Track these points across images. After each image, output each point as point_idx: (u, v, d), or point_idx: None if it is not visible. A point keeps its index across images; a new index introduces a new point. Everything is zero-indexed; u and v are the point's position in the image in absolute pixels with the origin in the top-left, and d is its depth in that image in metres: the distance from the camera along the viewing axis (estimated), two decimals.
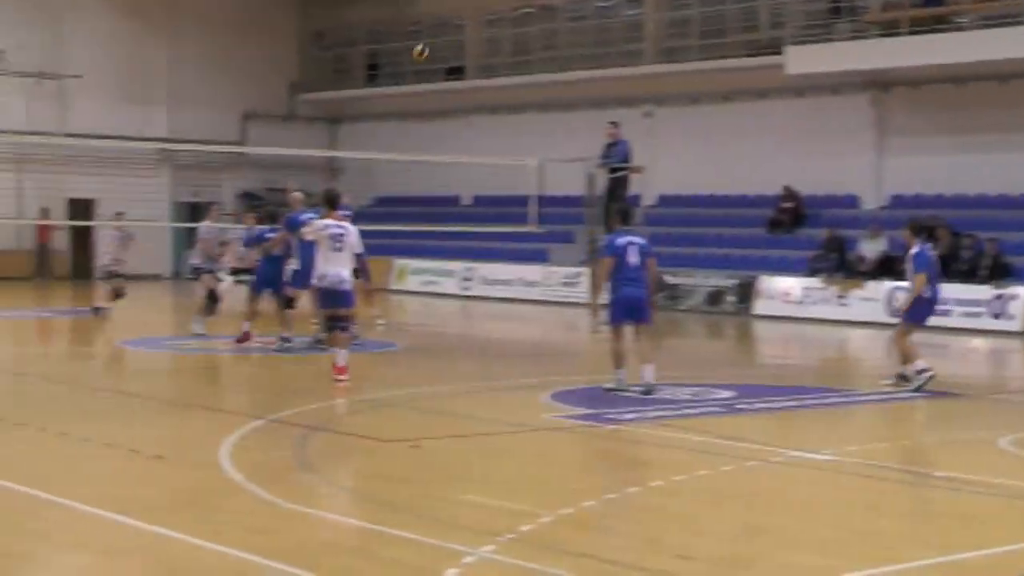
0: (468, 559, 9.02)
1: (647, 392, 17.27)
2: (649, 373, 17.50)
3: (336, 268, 18.21)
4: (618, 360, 17.62)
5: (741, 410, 16.72)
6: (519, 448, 14.16)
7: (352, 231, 18.51)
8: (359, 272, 20.27)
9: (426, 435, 14.46)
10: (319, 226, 18.45)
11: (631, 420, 15.51)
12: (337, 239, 18.20)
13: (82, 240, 45.45)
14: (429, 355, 23.08)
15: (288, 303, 22.52)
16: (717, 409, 16.70)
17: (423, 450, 13.52)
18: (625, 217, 18.33)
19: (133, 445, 13.41)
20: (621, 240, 17.65)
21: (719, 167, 38.69)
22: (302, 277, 21.31)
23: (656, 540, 9.87)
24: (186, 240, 42.61)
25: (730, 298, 33.89)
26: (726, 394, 17.87)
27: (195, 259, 25.09)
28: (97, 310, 28.64)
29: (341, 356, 18.28)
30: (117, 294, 27.94)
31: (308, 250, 20.34)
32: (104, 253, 29.86)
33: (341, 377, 18.11)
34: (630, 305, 17.54)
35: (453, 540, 9.49)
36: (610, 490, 11.69)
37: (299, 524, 10.32)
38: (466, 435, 14.70)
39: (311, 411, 16.14)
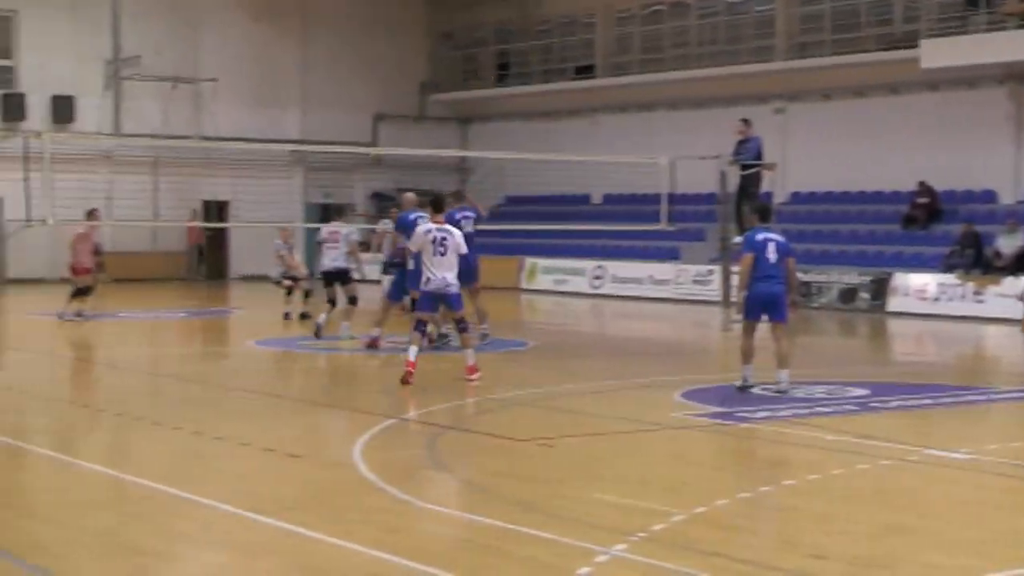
0: (601, 558, 9.01)
1: (780, 394, 17.16)
2: (784, 377, 17.37)
3: (441, 272, 18.35)
4: (746, 356, 17.51)
5: (876, 408, 16.54)
6: (651, 447, 14.11)
7: (456, 234, 18.63)
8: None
9: (558, 434, 14.46)
10: (420, 233, 18.62)
11: (764, 419, 15.41)
12: (440, 243, 18.34)
13: (217, 242, 46.12)
14: (560, 354, 23.08)
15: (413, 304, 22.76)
16: (851, 407, 16.54)
17: (555, 449, 13.53)
18: (764, 215, 18.21)
19: (267, 444, 13.55)
20: (760, 236, 17.56)
21: (852, 163, 38.32)
22: (414, 278, 21.57)
23: (790, 540, 9.79)
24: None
25: (864, 295, 33.54)
26: (860, 392, 17.70)
27: (338, 261, 24.83)
28: (290, 315, 28.80)
29: (470, 356, 18.47)
30: (351, 300, 26.73)
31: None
32: (274, 265, 30.10)
33: (472, 376, 18.28)
34: (765, 301, 17.43)
35: (586, 539, 9.48)
36: (743, 489, 11.61)
37: (433, 522, 10.37)
38: (598, 434, 14.68)
39: (443, 410, 16.21)
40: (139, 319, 29.65)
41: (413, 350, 18.17)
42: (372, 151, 46.88)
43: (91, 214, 29.66)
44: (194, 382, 19.13)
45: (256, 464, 12.77)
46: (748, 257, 17.50)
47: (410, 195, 23.90)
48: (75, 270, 28.74)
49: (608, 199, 44.87)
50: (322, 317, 23.87)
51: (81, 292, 28.40)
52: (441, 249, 18.31)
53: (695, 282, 36.82)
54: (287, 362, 22.49)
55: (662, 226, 28.11)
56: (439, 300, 18.71)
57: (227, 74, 45.64)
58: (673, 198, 27.96)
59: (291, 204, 46.67)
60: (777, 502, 11.23)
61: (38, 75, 42.72)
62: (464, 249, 18.72)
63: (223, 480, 11.93)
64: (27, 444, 13.96)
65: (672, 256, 38.66)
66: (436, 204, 19.18)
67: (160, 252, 45.41)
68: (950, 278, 32.14)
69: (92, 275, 28.88)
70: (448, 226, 18.79)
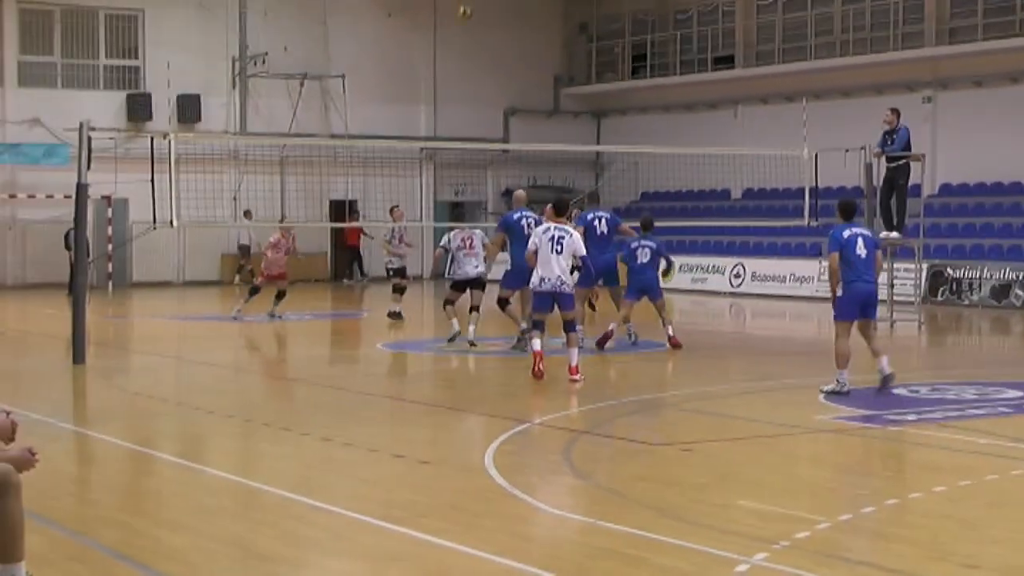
0: (741, 567, 8.98)
1: (886, 382, 17.13)
2: (886, 361, 17.30)
3: (556, 272, 18.59)
4: (843, 360, 17.27)
5: None
6: (794, 451, 14.04)
7: (575, 236, 18.88)
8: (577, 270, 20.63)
9: (697, 438, 14.43)
10: (539, 232, 18.97)
11: (913, 421, 15.26)
12: (557, 242, 18.55)
13: (342, 243, 46.47)
14: (699, 355, 22.99)
15: (502, 304, 22.87)
16: (1005, 410, 16.32)
17: (695, 453, 13.50)
18: (847, 211, 17.89)
19: (397, 449, 13.66)
20: (846, 233, 17.39)
21: (1005, 153, 37.78)
22: (513, 278, 21.74)
23: (941, 548, 9.68)
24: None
25: (1018, 292, 33.05)
26: (1015, 394, 17.45)
27: (481, 267, 24.50)
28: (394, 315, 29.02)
29: (574, 356, 18.69)
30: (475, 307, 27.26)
31: (519, 250, 20.86)
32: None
33: (576, 377, 18.47)
34: (863, 301, 17.35)
35: (726, 547, 9.45)
36: (891, 495, 11.51)
37: (567, 530, 10.39)
38: (739, 437, 14.62)
39: (578, 414, 16.24)
40: (266, 322, 29.98)
41: (537, 343, 18.68)
42: (504, 147, 47.04)
43: (283, 220, 30.30)
44: (323, 386, 19.31)
45: (386, 470, 12.86)
46: (834, 256, 17.34)
47: (520, 192, 24.03)
48: (266, 275, 29.74)
49: (748, 194, 44.64)
50: (471, 329, 23.65)
51: (278, 296, 29.44)
52: (558, 247, 18.51)
53: None
54: (416, 365, 22.63)
55: (805, 222, 27.88)
56: (553, 300, 18.83)
57: (356, 70, 46.03)
58: (816, 192, 27.73)
59: (422, 202, 46.99)
60: (927, 508, 11.11)
61: (164, 74, 43.32)
62: (583, 251, 18.85)
63: (353, 487, 12.04)
64: (156, 451, 14.19)
65: (815, 253, 38.33)
66: (559, 207, 19.44)
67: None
68: None
69: (286, 280, 29.61)
70: (568, 227, 19.03)
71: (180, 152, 23.70)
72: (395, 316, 28.70)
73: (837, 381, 17.28)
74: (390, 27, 47.26)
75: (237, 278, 43.37)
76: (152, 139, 23.15)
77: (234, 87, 44.62)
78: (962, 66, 38.96)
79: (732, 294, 38.97)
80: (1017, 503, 11.23)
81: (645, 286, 23.37)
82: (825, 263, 36.98)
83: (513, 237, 22.09)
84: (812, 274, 37.25)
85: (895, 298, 28.08)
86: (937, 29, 39.85)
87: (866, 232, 17.64)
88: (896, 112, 27.00)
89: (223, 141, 43.15)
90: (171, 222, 23.18)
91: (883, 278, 27.70)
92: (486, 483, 11.90)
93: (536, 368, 18.59)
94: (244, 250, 43.49)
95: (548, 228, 18.79)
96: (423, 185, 47.81)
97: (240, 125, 44.36)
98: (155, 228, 24.02)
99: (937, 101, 39.58)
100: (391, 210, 30.24)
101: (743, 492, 11.52)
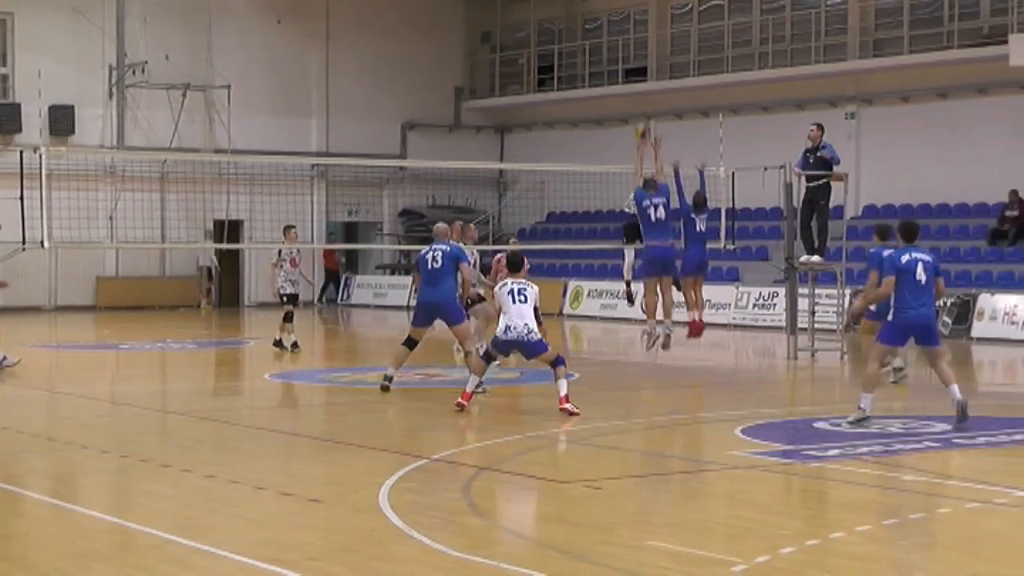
0: None
1: (963, 410, 17.33)
2: (957, 389, 17.50)
3: (522, 320, 18.93)
4: (872, 384, 17.54)
5: (960, 445, 16.47)
6: (709, 488, 14.12)
7: (535, 288, 19.32)
8: None
9: (606, 475, 14.48)
10: (497, 291, 19.59)
11: (835, 457, 15.38)
12: (520, 293, 19.07)
13: (229, 266, 46.23)
14: (608, 386, 23.08)
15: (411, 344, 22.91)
16: (932, 444, 16.48)
17: (604, 491, 13.54)
18: (908, 233, 18.11)
19: (286, 487, 13.61)
20: (904, 257, 17.55)
21: (933, 173, 38.23)
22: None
23: None
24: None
25: (946, 319, 33.42)
26: (942, 427, 17.62)
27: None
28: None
29: (563, 387, 18.79)
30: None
31: (424, 287, 21.21)
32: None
33: (567, 406, 18.58)
34: (919, 329, 17.50)
35: None
36: (812, 535, 11.60)
37: (468, 574, 10.40)
38: (650, 474, 14.68)
39: (479, 449, 16.25)
40: (145, 351, 29.74)
41: (473, 381, 19.19)
42: (401, 164, 47.01)
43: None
44: (206, 420, 19.21)
45: (274, 510, 12.82)
46: (889, 280, 17.46)
47: (441, 226, 23.41)
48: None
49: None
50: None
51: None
52: (522, 297, 18.96)
53: (757, 306, 36.81)
54: (306, 397, 22.56)
55: (721, 245, 28.06)
56: (517, 347, 19.23)
57: (243, 81, 45.85)
58: (734, 213, 27.93)
59: (313, 222, 46.84)
60: (850, 550, 11.21)
61: (35, 83, 42.92)
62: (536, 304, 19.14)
63: (238, 528, 11.98)
64: (24, 489, 14.04)
65: (732, 278, 38.65)
66: (513, 264, 19.81)
67: (170, 277, 45.61)
68: None
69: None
70: (526, 282, 19.35)
71: (52, 167, 23.59)
72: (280, 345, 28.48)
73: (860, 408, 17.39)
74: (280, 34, 47.12)
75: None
76: (21, 153, 22.97)
77: (111, 98, 44.29)
78: (887, 80, 39.41)
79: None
80: (945, 543, 11.35)
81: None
82: (743, 288, 37.35)
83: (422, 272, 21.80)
84: (730, 300, 37.51)
85: (816, 326, 28.31)
86: (861, 41, 40.30)
87: (928, 257, 17.71)
88: (821, 128, 27.21)
89: (99, 156, 42.84)
90: (42, 243, 23.00)
91: (803, 304, 28.05)
92: (381, 523, 11.88)
93: (460, 401, 18.81)
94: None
95: (505, 283, 19.25)
96: (314, 204, 47.67)
97: (117, 139, 44.01)
98: (24, 249, 23.79)
99: (861, 117, 40.01)
100: (285, 230, 29.89)
101: (654, 532, 11.58)
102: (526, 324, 18.85)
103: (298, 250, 29.36)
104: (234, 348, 32.74)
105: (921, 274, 17.45)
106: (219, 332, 37.61)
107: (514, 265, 19.74)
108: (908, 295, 17.39)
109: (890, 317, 17.57)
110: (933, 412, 19.00)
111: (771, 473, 14.82)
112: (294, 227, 30.51)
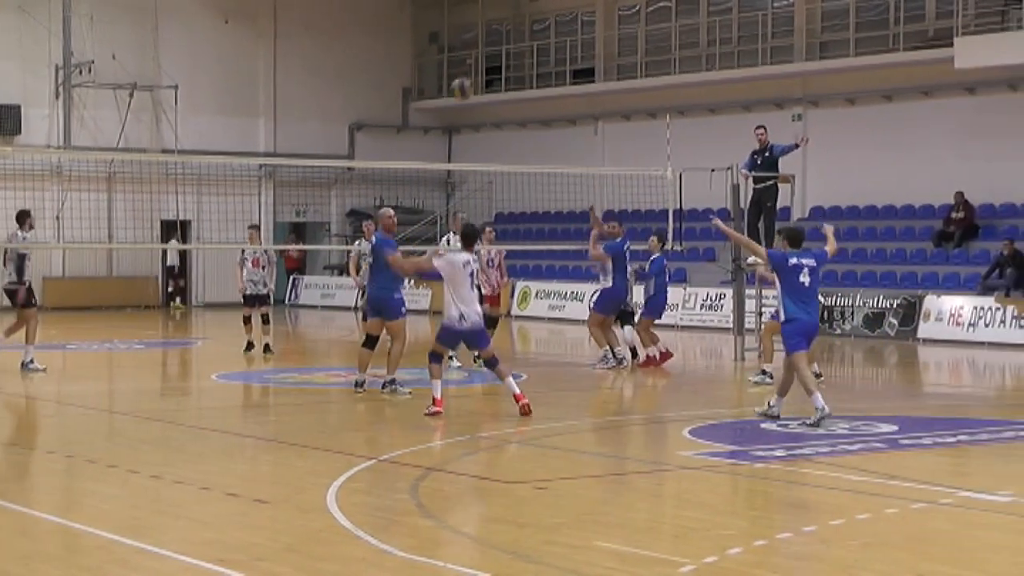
0: None
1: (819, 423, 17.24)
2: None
3: (476, 308, 18.64)
4: (785, 389, 17.59)
5: (905, 446, 16.54)
6: (655, 489, 14.13)
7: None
8: None
9: (552, 475, 14.47)
10: (457, 264, 18.57)
11: (782, 458, 15.42)
12: (477, 277, 18.92)
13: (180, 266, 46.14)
14: (556, 387, 23.08)
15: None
16: (879, 445, 16.54)
17: (549, 491, 13.53)
18: (794, 239, 18.23)
19: (232, 488, 13.57)
20: (792, 261, 17.63)
21: (879, 175, 38.38)
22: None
23: None
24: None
25: (892, 320, 33.57)
26: (888, 428, 17.70)
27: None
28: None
29: (513, 385, 18.64)
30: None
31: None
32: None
33: (526, 402, 18.42)
34: (811, 332, 17.57)
35: None
36: (759, 535, 11.62)
37: (415, 575, 10.37)
38: (596, 475, 14.68)
39: (426, 450, 16.22)
40: (92, 351, 29.60)
41: (436, 384, 18.48)
42: (349, 164, 46.92)
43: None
44: (152, 420, 19.11)
45: (220, 510, 12.76)
46: (774, 277, 17.66)
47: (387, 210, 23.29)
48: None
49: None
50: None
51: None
52: (476, 282, 18.58)
53: (705, 307, 36.88)
54: (253, 397, 22.49)
55: (669, 246, 28.09)
56: (466, 339, 18.96)
57: (190, 80, 45.64)
58: (681, 215, 27.98)
59: (260, 223, 46.57)
60: (797, 550, 11.24)
61: None
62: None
63: (184, 528, 11.93)
64: None
65: (679, 279, 38.66)
66: (468, 238, 19.05)
67: (117, 278, 45.37)
68: (988, 301, 32.15)
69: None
70: (476, 258, 18.93)
71: None
72: (252, 347, 28.28)
73: (816, 408, 17.34)
74: (227, 34, 46.95)
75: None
76: None
77: (57, 97, 44.02)
78: (834, 82, 39.55)
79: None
80: (891, 543, 11.38)
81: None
82: (690, 289, 37.41)
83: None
84: (677, 301, 37.52)
85: (762, 327, 28.33)
86: (808, 43, 40.41)
87: (812, 263, 17.82)
88: (765, 129, 27.33)
89: (45, 156, 42.57)
90: None
91: (750, 306, 28.10)
92: (328, 524, 11.84)
93: (435, 409, 18.41)
94: (172, 271, 43.85)
95: (468, 261, 18.52)
96: (262, 204, 47.47)
97: (64, 138, 43.76)
98: None
99: (807, 119, 40.12)
100: (251, 231, 29.58)
101: (601, 533, 11.57)
102: (477, 312, 18.60)
103: (265, 251, 29.04)
104: (182, 348, 32.61)
105: (805, 277, 17.59)
106: (167, 332, 37.46)
107: (468, 239, 18.95)
108: (796, 299, 17.56)
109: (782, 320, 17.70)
110: (878, 413, 19.09)
111: (718, 473, 14.84)
112: (257, 227, 30.34)
